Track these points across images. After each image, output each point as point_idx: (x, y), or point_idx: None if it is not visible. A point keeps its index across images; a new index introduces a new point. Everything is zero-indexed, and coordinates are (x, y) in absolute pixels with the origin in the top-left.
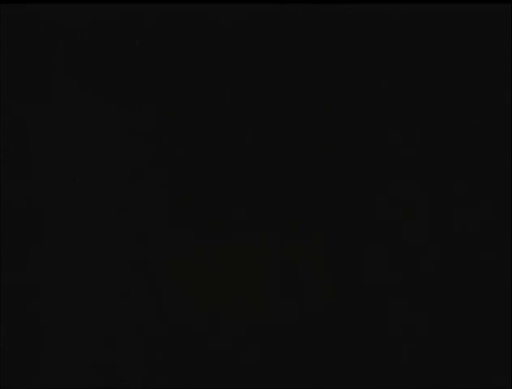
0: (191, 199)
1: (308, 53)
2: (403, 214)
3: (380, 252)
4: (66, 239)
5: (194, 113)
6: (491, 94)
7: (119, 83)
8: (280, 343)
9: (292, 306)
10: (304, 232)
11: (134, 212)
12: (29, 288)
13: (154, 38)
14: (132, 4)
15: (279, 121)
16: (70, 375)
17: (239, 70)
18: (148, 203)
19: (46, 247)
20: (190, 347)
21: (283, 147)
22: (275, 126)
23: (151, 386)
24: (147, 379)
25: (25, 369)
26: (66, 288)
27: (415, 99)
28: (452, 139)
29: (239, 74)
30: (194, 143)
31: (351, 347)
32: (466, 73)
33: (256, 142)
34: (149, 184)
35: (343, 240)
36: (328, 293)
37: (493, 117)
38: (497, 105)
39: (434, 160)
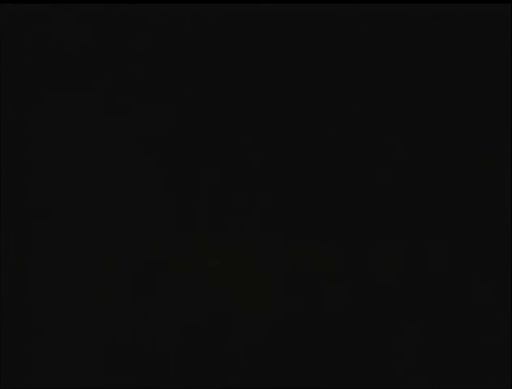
0: (194, 201)
1: (308, 54)
2: (408, 216)
3: (387, 254)
4: (66, 240)
5: (197, 115)
6: (491, 93)
7: (120, 84)
8: (283, 343)
9: (296, 307)
10: (308, 233)
11: (134, 213)
12: (30, 288)
13: (154, 38)
14: (133, 4)
15: (281, 122)
16: (69, 375)
17: (240, 71)
18: (150, 205)
19: (47, 247)
20: (192, 346)
21: (285, 150)
22: (276, 128)
23: (152, 386)
24: (147, 379)
25: (25, 369)
26: (66, 290)
27: (415, 99)
28: (452, 139)
29: (240, 75)
30: (197, 144)
31: (356, 347)
32: (466, 73)
33: (258, 144)
34: (151, 185)
35: (350, 241)
36: (335, 293)
37: (493, 116)
38: (496, 104)
39: (436, 162)
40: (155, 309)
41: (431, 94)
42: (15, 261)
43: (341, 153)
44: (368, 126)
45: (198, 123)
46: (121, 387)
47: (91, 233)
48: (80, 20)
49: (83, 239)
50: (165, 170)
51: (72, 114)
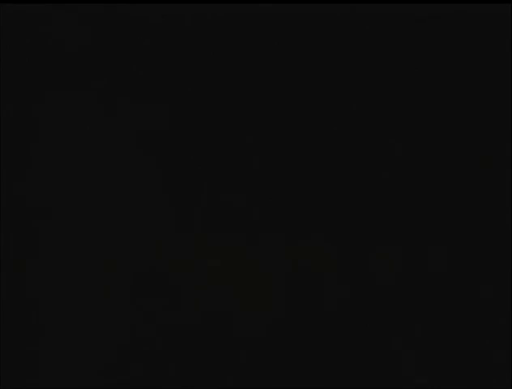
0: (194, 201)
1: (308, 54)
2: (408, 216)
3: (387, 254)
4: (66, 240)
5: (197, 115)
6: (491, 93)
7: (120, 84)
8: (283, 343)
9: (296, 307)
10: (308, 233)
11: (134, 213)
12: (30, 288)
13: (154, 39)
14: (133, 4)
15: (281, 122)
16: (70, 375)
17: (240, 71)
18: (150, 205)
19: (47, 247)
20: (192, 347)
21: (285, 150)
22: (276, 128)
23: (152, 386)
24: (147, 379)
25: (25, 369)
26: (66, 290)
27: (415, 99)
28: (452, 139)
29: (240, 75)
30: (197, 144)
31: (356, 347)
32: (466, 73)
33: (258, 144)
34: (151, 185)
35: (350, 241)
36: (335, 293)
37: (493, 116)
38: (496, 104)
39: (435, 162)
40: (155, 309)
41: (431, 94)
42: (15, 261)
43: (341, 153)
44: (368, 126)
45: (198, 123)
46: (121, 387)
47: (91, 233)
48: (80, 20)
49: (83, 239)
50: (165, 170)
51: (72, 114)
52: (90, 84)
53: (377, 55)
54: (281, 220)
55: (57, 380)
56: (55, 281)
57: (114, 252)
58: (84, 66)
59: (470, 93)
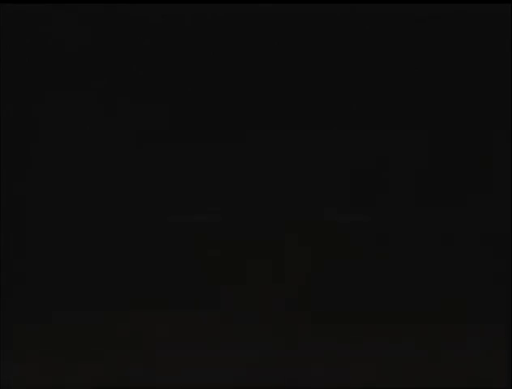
0: (194, 201)
1: (308, 53)
2: (408, 216)
3: (387, 254)
4: (66, 240)
5: (197, 115)
6: (491, 93)
7: (120, 84)
8: (283, 343)
9: (296, 307)
10: (308, 233)
11: (134, 213)
12: (30, 288)
13: (154, 38)
14: (133, 4)
15: (281, 122)
16: (70, 375)
17: (240, 71)
18: (150, 204)
19: (46, 247)
20: (192, 346)
21: (285, 149)
22: (276, 128)
23: (151, 385)
24: (147, 379)
25: (24, 368)
26: (66, 290)
27: (414, 98)
28: (452, 139)
29: (240, 75)
30: (197, 144)
31: (355, 346)
32: (465, 73)
33: (258, 143)
34: (151, 185)
35: (350, 241)
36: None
37: (493, 117)
38: (496, 104)
39: (435, 161)
40: (155, 309)
41: (431, 94)
42: (15, 260)
43: (341, 153)
44: (368, 125)
45: (198, 123)
46: (122, 387)
47: (91, 233)
48: (80, 20)
49: (83, 238)
50: (165, 170)
51: (72, 114)
52: (90, 84)
53: (377, 55)
54: (281, 219)
55: (58, 380)
56: (55, 281)
57: (114, 252)
58: (84, 66)
59: (470, 93)
